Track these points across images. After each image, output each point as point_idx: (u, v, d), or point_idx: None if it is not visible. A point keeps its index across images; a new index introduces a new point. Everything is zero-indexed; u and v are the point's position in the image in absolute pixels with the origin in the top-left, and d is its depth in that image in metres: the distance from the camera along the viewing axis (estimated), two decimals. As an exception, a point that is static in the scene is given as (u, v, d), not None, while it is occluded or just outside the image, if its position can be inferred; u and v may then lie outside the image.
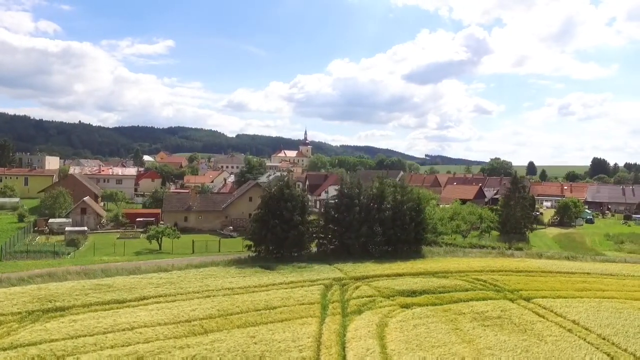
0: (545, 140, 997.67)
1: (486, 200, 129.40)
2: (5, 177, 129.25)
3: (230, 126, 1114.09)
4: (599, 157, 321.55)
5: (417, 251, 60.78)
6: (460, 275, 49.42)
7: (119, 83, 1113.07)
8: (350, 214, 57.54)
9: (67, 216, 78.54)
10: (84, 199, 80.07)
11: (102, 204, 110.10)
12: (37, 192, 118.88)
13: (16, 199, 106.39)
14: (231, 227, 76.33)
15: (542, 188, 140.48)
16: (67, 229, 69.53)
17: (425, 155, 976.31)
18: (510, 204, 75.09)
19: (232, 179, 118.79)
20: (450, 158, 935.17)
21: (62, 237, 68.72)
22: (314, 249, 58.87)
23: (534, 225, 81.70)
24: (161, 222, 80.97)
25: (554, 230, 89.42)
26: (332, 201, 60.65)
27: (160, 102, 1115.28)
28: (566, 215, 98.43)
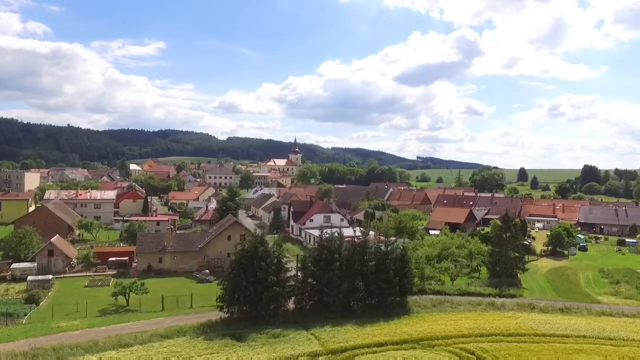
0: (536, 141, 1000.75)
1: (477, 221, 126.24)
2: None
3: (222, 128, 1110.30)
4: (589, 165, 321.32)
5: (402, 304, 57.01)
6: (446, 343, 45.71)
7: (110, 85, 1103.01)
8: (330, 269, 53.56)
9: (32, 259, 73.92)
10: (52, 240, 75.42)
11: (78, 232, 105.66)
12: (10, 220, 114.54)
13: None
14: (207, 271, 72.12)
15: (533, 208, 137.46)
16: (29, 278, 64.96)
17: (417, 157, 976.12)
18: (502, 243, 71.38)
19: (214, 204, 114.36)
20: (441, 160, 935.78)
21: (25, 285, 64.45)
22: (291, 305, 54.87)
23: (526, 258, 77.97)
24: (134, 263, 76.70)
25: (547, 264, 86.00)
26: (311, 254, 56.38)
27: (151, 104, 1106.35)
28: (559, 245, 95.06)
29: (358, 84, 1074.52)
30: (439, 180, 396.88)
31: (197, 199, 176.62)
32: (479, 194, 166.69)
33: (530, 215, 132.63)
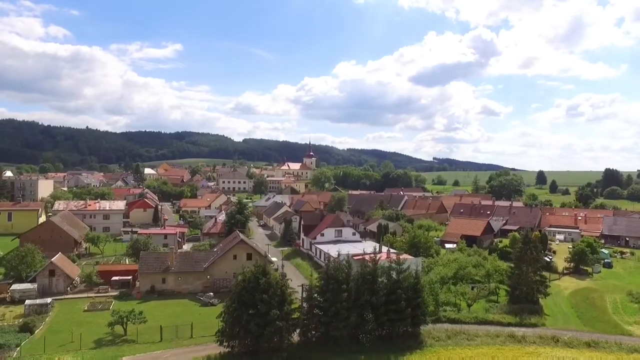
0: (554, 141, 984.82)
1: (494, 233, 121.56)
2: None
3: (238, 129, 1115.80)
4: (611, 168, 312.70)
5: (415, 335, 53.36)
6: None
7: (128, 87, 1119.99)
8: (338, 301, 50.08)
9: (33, 279, 71.79)
10: (53, 259, 73.26)
11: (85, 246, 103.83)
12: (20, 230, 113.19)
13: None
14: (211, 293, 69.14)
15: (554, 218, 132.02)
16: (26, 302, 62.70)
17: (433, 158, 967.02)
18: (522, 266, 67.15)
19: (223, 216, 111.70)
20: (458, 161, 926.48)
21: (24, 308, 62.25)
22: (295, 337, 51.52)
23: (547, 278, 73.26)
24: (138, 282, 74.14)
25: (570, 283, 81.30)
26: (317, 285, 52.86)
27: (168, 105, 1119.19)
28: (582, 262, 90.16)
29: (373, 85, 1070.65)
30: (455, 183, 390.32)
31: (209, 206, 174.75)
32: (496, 203, 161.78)
33: (550, 226, 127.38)
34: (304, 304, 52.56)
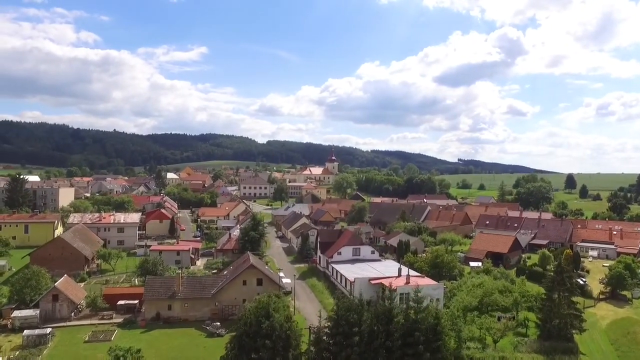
0: (583, 141, 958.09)
1: (522, 248, 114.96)
2: (5, 225, 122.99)
3: (262, 130, 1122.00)
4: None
5: (435, 382, 48.24)
6: None
7: (155, 89, 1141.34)
8: (349, 345, 45.56)
9: (37, 304, 69.21)
10: (57, 284, 70.63)
11: (96, 263, 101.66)
12: (37, 242, 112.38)
13: (2, 262, 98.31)
14: (218, 323, 65.29)
15: (586, 232, 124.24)
16: (25, 333, 59.94)
17: (458, 160, 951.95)
18: (554, 296, 61.41)
19: (237, 232, 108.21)
20: (483, 162, 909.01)
21: (22, 339, 59.51)
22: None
23: (582, 313, 66.65)
24: (144, 308, 70.92)
25: (607, 312, 74.82)
26: (326, 326, 48.43)
27: (194, 107, 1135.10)
28: (620, 286, 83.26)
29: (397, 85, 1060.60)
30: (481, 187, 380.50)
31: (228, 215, 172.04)
32: (524, 213, 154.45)
33: (582, 241, 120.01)
34: (312, 348, 48.16)
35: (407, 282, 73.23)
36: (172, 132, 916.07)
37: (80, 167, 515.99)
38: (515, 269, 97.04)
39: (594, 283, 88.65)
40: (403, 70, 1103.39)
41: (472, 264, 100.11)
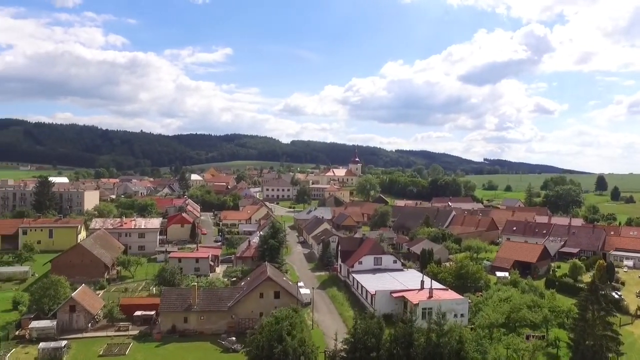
0: (614, 140, 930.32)
1: (551, 257, 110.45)
2: (31, 230, 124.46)
3: (286, 130, 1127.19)
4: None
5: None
6: None
7: (181, 90, 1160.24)
8: (366, 370, 43.28)
9: (54, 315, 68.87)
10: (74, 295, 70.17)
11: (116, 270, 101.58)
12: (61, 247, 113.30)
13: (25, 269, 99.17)
14: (234, 338, 63.65)
15: (620, 240, 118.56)
16: (40, 346, 59.34)
17: (484, 159, 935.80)
18: (587, 315, 57.71)
19: (256, 240, 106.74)
20: (510, 162, 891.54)
21: (37, 352, 59.00)
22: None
23: (619, 335, 62.18)
24: (157, 322, 69.88)
25: (645, 330, 70.40)
26: (342, 349, 46.21)
27: (219, 108, 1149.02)
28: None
29: (421, 85, 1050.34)
30: (507, 188, 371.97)
31: (249, 219, 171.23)
32: (553, 219, 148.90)
33: (616, 250, 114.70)
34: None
35: (430, 296, 70.59)
36: (198, 133, 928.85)
37: (108, 168, 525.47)
38: (545, 279, 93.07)
39: (630, 297, 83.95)
40: (427, 69, 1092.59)
41: (498, 273, 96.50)
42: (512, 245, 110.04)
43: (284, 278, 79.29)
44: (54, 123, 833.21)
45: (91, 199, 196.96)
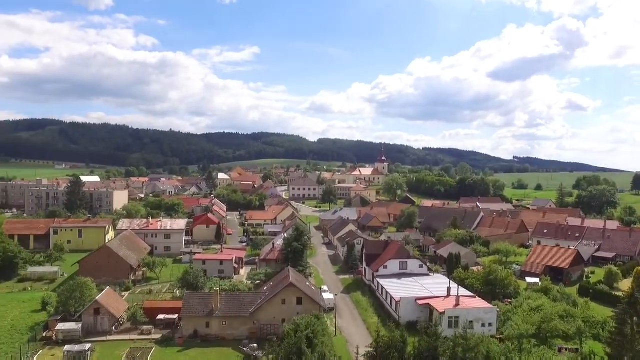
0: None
1: (584, 262, 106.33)
2: (61, 230, 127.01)
3: (313, 128, 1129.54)
4: None
5: None
6: None
7: (209, 89, 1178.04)
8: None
9: (79, 317, 69.55)
10: (98, 298, 70.68)
11: (141, 271, 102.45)
12: (90, 247, 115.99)
13: (55, 269, 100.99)
14: (255, 345, 62.88)
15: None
16: (65, 349, 59.86)
17: (513, 157, 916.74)
18: (625, 330, 54.83)
19: (280, 242, 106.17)
20: (540, 160, 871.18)
21: (63, 355, 59.55)
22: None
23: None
24: (180, 326, 69.80)
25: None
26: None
27: (246, 106, 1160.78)
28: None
29: (449, 82, 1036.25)
30: (538, 187, 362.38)
31: (275, 219, 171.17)
32: (586, 221, 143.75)
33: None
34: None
35: (457, 304, 68.52)
36: (225, 131, 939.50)
37: (138, 166, 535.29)
38: (578, 286, 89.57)
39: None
40: (455, 66, 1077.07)
41: (528, 279, 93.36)
42: (543, 249, 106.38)
43: (307, 283, 78.34)
44: (88, 123, 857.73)
45: (120, 199, 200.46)
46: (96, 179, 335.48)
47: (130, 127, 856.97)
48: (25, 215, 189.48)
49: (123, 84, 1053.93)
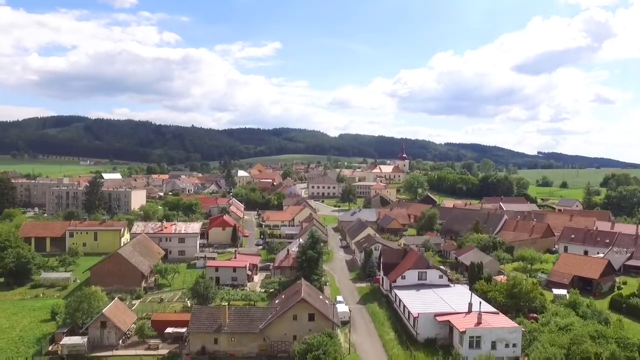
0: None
1: (616, 271, 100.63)
2: (77, 233, 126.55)
3: (334, 123, 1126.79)
4: None
5: None
6: None
7: (231, 85, 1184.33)
8: None
9: (85, 330, 67.76)
10: (104, 311, 68.65)
11: (153, 278, 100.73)
12: (105, 249, 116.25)
13: (67, 275, 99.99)
14: (265, 364, 60.11)
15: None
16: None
17: (538, 152, 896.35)
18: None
19: (295, 248, 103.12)
20: (565, 155, 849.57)
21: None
22: None
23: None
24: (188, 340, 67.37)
25: None
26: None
27: (268, 101, 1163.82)
28: None
29: (472, 76, 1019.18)
30: (563, 185, 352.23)
31: (292, 220, 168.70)
32: (616, 225, 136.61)
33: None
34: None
35: (479, 323, 64.40)
36: (247, 127, 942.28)
37: (160, 162, 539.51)
38: (609, 299, 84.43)
39: None
40: (478, 60, 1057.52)
41: (555, 291, 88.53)
42: (571, 258, 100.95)
43: (321, 297, 75.08)
44: (112, 119, 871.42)
45: (138, 198, 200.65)
46: (117, 176, 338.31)
47: (153, 123, 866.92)
48: (45, 215, 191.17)
49: (147, 80, 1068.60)
